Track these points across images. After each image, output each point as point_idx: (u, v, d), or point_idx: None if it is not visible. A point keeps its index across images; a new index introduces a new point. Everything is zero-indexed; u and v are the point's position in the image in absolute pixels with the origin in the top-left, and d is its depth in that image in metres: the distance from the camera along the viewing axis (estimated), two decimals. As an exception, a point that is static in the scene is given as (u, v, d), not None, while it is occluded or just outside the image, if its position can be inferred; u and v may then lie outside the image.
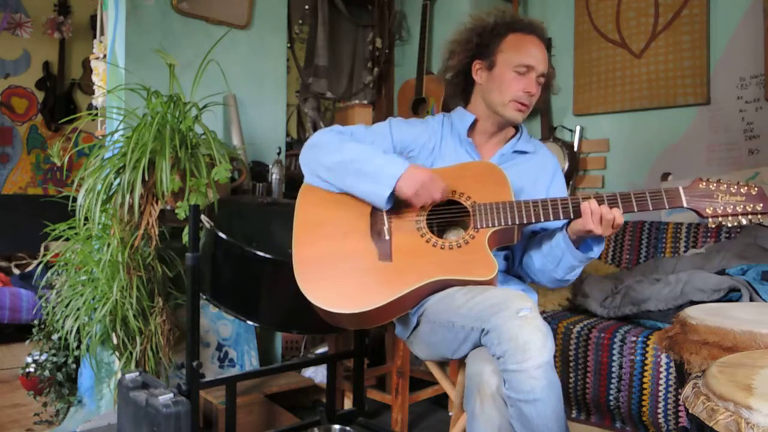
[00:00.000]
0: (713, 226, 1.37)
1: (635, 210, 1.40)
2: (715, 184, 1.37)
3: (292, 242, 1.53)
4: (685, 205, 1.37)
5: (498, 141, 1.68)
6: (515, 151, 1.67)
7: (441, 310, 1.43)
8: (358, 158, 1.50)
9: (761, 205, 1.34)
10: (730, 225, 1.36)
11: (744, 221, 1.35)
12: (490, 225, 1.45)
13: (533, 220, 1.44)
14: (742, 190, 1.36)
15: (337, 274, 1.46)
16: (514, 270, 1.67)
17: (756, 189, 1.35)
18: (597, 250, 1.50)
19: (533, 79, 1.56)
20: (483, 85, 1.62)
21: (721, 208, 1.36)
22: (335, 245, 1.50)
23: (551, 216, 1.43)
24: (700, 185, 1.38)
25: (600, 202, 1.39)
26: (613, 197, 1.41)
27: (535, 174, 1.63)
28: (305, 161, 1.61)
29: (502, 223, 1.44)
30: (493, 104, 1.60)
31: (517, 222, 1.44)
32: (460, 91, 1.69)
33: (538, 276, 1.60)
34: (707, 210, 1.36)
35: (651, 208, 1.39)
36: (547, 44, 1.63)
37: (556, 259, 1.50)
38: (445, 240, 1.48)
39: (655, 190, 1.39)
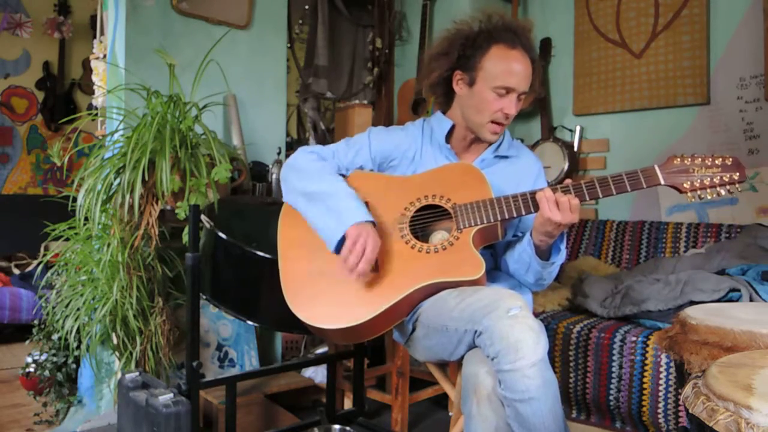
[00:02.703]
0: (693, 200, 1.36)
1: (614, 193, 1.39)
2: (690, 159, 1.37)
3: (278, 260, 1.54)
4: (662, 182, 1.37)
5: (479, 146, 1.66)
6: (497, 156, 1.65)
7: (434, 314, 1.42)
8: (334, 194, 1.50)
9: (738, 174, 1.34)
10: (709, 198, 1.34)
11: (723, 192, 1.34)
12: (473, 224, 1.45)
13: (514, 215, 1.44)
14: (717, 161, 1.35)
15: (326, 290, 1.46)
16: (500, 267, 1.67)
17: (731, 159, 1.35)
18: (563, 248, 1.50)
19: (513, 100, 1.53)
20: (462, 98, 1.59)
21: (699, 181, 1.35)
22: (321, 262, 1.50)
23: (532, 208, 1.43)
24: (675, 161, 1.37)
25: (577, 189, 1.39)
26: (591, 182, 1.40)
27: (518, 178, 1.62)
28: (284, 180, 1.63)
29: (484, 221, 1.44)
30: (470, 122, 1.59)
31: (498, 218, 1.44)
32: (440, 96, 1.67)
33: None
34: (685, 185, 1.36)
35: (629, 189, 1.38)
36: (534, 53, 1.56)
37: (525, 264, 1.51)
38: (430, 244, 1.47)
39: (631, 171, 1.38)
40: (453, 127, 1.64)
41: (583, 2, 3.22)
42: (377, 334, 1.48)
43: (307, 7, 3.23)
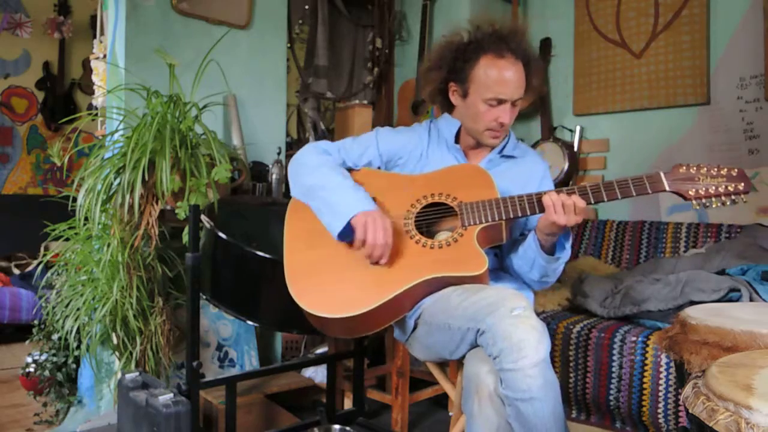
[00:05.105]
0: (698, 207, 1.38)
1: (619, 197, 1.41)
2: (695, 168, 1.39)
3: (284, 252, 1.55)
4: (667, 188, 1.39)
5: (485, 147, 1.68)
6: (503, 156, 1.67)
7: (437, 312, 1.43)
8: (325, 186, 1.53)
9: (742, 184, 1.36)
10: (714, 206, 1.37)
11: (728, 202, 1.37)
12: (477, 222, 1.46)
13: (519, 214, 1.45)
14: (722, 171, 1.37)
15: (329, 280, 1.47)
16: (505, 267, 1.67)
17: (736, 170, 1.37)
18: (567, 246, 1.52)
19: (506, 109, 1.55)
20: (459, 108, 1.63)
21: (703, 189, 1.37)
22: (326, 252, 1.51)
23: (537, 209, 1.44)
24: (681, 170, 1.39)
25: (582, 192, 1.41)
26: (596, 186, 1.42)
27: (524, 179, 1.64)
28: (290, 176, 1.67)
29: (489, 219, 1.45)
30: (469, 130, 1.63)
31: (503, 217, 1.45)
32: (441, 103, 1.69)
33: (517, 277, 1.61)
34: (690, 192, 1.38)
35: (634, 194, 1.40)
36: (527, 55, 1.55)
37: (530, 261, 1.52)
38: (434, 240, 1.48)
39: (637, 176, 1.40)
40: (460, 128, 1.66)
41: (583, 2, 3.22)
42: (378, 328, 1.48)
43: (307, 7, 3.23)
